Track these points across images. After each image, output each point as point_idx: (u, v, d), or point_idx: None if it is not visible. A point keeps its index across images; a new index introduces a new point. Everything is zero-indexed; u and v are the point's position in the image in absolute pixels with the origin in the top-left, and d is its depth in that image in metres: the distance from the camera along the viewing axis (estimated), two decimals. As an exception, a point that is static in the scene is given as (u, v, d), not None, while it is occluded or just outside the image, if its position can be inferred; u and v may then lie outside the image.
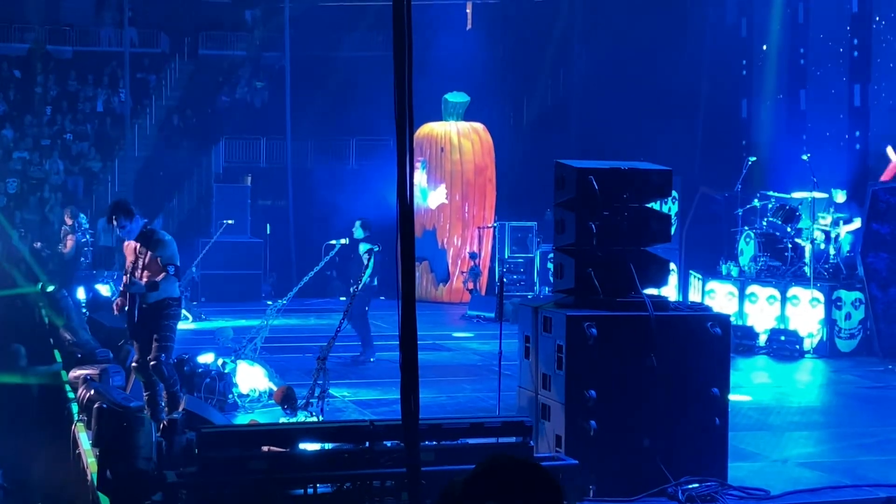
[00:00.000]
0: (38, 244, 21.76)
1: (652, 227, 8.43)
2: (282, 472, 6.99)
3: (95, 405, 8.10)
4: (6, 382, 11.33)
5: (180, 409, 8.83)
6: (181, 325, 10.43)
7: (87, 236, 19.57)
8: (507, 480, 2.61)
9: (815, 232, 16.14)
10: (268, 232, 14.99)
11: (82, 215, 19.58)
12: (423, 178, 23.06)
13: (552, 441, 7.99)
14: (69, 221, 18.92)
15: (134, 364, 9.67)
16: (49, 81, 30.25)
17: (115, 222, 9.51)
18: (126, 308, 9.43)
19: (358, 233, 14.31)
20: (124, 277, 9.52)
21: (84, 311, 14.89)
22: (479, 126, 23.66)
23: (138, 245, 9.50)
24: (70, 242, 18.62)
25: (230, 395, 11.07)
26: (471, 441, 7.52)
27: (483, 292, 21.57)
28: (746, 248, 16.72)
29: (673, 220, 16.64)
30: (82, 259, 19.07)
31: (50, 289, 15.56)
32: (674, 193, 16.69)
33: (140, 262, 9.40)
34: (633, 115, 22.00)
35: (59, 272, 19.04)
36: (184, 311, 14.29)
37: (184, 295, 12.66)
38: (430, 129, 23.26)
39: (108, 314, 14.02)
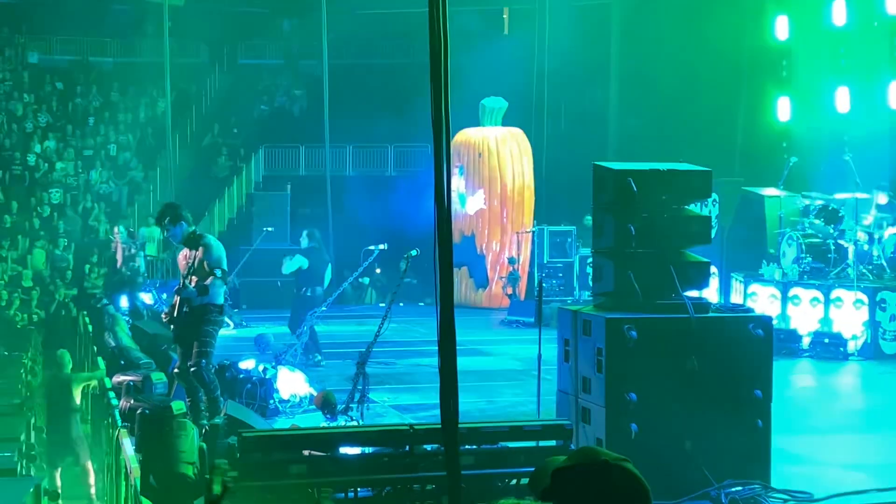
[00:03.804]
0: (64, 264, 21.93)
1: (692, 228, 8.37)
2: (322, 477, 7.02)
3: (138, 411, 8.19)
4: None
5: (222, 415, 8.90)
6: (222, 332, 10.51)
7: (136, 244, 19.57)
8: (595, 478, 2.52)
9: (858, 233, 15.95)
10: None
11: (121, 227, 19.56)
12: (462, 183, 23.07)
13: (593, 444, 7.95)
14: (118, 238, 18.92)
15: (176, 370, 9.76)
16: (91, 92, 30.65)
17: (163, 222, 9.66)
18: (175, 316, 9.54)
19: (304, 243, 14.85)
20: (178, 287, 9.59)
21: (126, 318, 15.05)
22: (517, 131, 23.62)
23: (187, 250, 9.61)
24: (119, 254, 18.72)
25: (271, 401, 11.14)
26: (510, 444, 7.51)
27: (522, 297, 21.52)
28: (788, 249, 16.55)
29: (713, 222, 16.49)
30: (139, 267, 19.03)
31: (103, 304, 15.71)
32: (714, 195, 16.54)
33: (190, 267, 9.51)
34: (672, 117, 21.86)
35: (117, 283, 19.05)
36: (225, 318, 14.40)
37: (226, 302, 12.75)
38: (467, 135, 23.26)
39: (150, 322, 14.18)
